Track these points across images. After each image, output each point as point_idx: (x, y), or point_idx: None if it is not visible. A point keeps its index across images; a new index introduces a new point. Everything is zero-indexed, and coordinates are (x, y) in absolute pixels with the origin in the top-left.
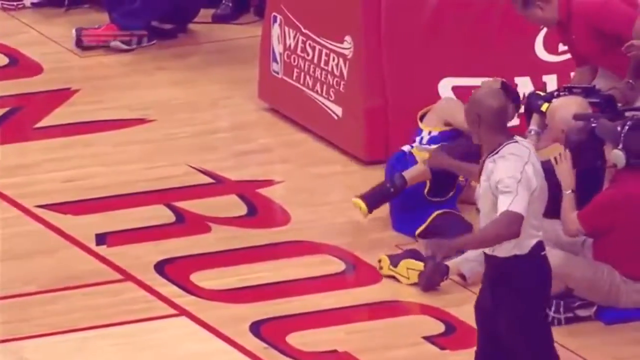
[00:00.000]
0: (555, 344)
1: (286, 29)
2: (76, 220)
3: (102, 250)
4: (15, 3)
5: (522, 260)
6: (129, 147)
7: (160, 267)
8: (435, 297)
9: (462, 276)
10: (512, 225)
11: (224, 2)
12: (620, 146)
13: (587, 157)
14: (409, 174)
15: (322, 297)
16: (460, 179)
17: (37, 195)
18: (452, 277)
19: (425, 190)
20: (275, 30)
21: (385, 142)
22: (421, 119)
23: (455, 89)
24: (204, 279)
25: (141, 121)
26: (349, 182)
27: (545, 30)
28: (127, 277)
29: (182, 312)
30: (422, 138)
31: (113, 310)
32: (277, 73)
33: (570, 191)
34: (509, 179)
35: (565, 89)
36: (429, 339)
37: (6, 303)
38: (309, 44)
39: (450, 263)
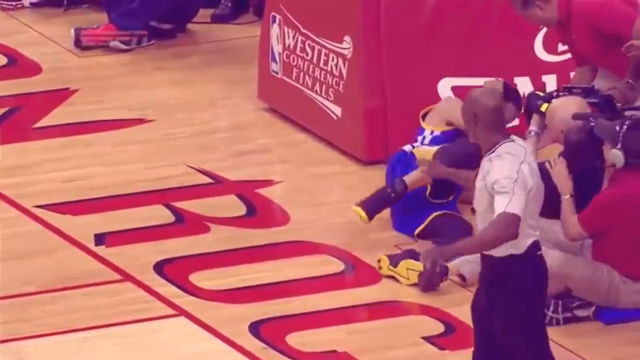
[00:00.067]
0: (555, 344)
1: (285, 28)
2: (75, 220)
3: (101, 250)
4: (14, 3)
5: (518, 260)
6: (128, 147)
7: (160, 267)
8: (435, 297)
9: (462, 277)
10: (509, 227)
11: (223, 2)
12: (619, 146)
13: (586, 156)
14: (410, 178)
15: (321, 297)
16: None
17: (36, 195)
18: (451, 277)
19: (427, 192)
20: (275, 30)
21: (384, 142)
22: (423, 118)
23: (454, 89)
24: (203, 279)
25: (140, 121)
26: (349, 182)
27: (544, 30)
28: (126, 277)
29: (181, 312)
30: (424, 137)
31: (112, 310)
32: (276, 73)
33: (568, 195)
34: (505, 179)
35: (565, 89)
36: (428, 339)
37: (5, 303)
38: (308, 44)
39: (449, 264)
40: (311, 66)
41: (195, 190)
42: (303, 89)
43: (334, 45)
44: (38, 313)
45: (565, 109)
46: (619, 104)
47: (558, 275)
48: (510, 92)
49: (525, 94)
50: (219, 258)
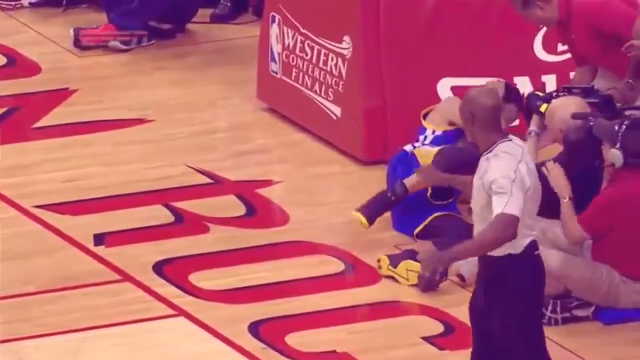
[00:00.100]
0: (554, 344)
1: (285, 28)
2: (74, 220)
3: (101, 250)
4: (13, 3)
5: (516, 260)
6: (128, 147)
7: (159, 268)
8: (435, 297)
9: (461, 277)
10: (508, 228)
11: (222, 1)
12: (618, 145)
13: (585, 156)
14: (410, 181)
15: (321, 298)
16: None
17: (36, 195)
18: (451, 277)
19: (428, 194)
20: (274, 30)
21: (384, 142)
22: (424, 117)
23: (454, 89)
24: (202, 279)
25: (140, 121)
26: (348, 182)
27: (544, 30)
28: (126, 277)
29: (180, 312)
30: (425, 137)
31: (111, 310)
32: (276, 73)
33: (567, 198)
34: (503, 179)
35: (564, 89)
36: (428, 339)
37: (5, 303)
38: (308, 44)
39: None
40: (310, 66)
41: (194, 190)
42: (302, 89)
43: (334, 45)
44: (38, 313)
45: (565, 109)
46: (618, 104)
47: (558, 275)
48: (511, 93)
49: (525, 94)
50: (218, 258)
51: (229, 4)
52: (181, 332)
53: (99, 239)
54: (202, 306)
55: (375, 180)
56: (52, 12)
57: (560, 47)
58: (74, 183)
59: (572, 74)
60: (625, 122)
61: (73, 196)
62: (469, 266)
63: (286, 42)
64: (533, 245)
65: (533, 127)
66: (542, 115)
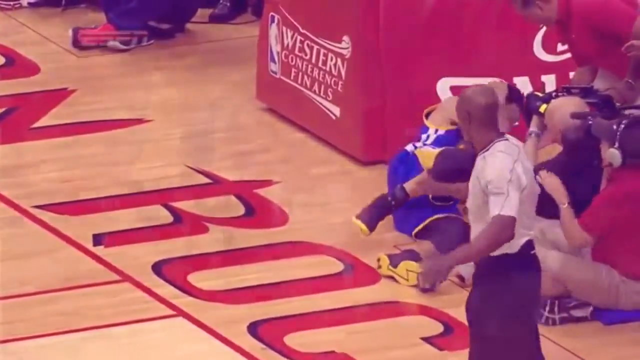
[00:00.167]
0: (554, 345)
1: (284, 28)
2: (73, 220)
3: (100, 250)
4: (12, 3)
5: (512, 259)
6: (127, 148)
7: (158, 268)
8: (434, 298)
9: (461, 277)
10: (505, 230)
11: (221, 1)
12: (616, 145)
13: (584, 155)
14: (410, 185)
15: (320, 298)
16: None
17: (34, 195)
18: (450, 278)
19: (430, 195)
20: (273, 30)
21: (383, 142)
22: (426, 116)
23: (453, 89)
24: (201, 279)
25: (139, 121)
26: (347, 182)
27: (543, 30)
28: (125, 277)
29: (179, 312)
30: (428, 136)
31: (110, 311)
32: (275, 73)
33: (566, 204)
34: (499, 179)
35: (564, 90)
36: (427, 339)
37: (4, 304)
38: (307, 44)
39: None
40: (310, 66)
41: (193, 190)
42: (302, 89)
43: (333, 45)
44: (36, 313)
45: (564, 109)
46: (618, 104)
47: (558, 276)
48: (514, 94)
49: (525, 95)
50: (217, 258)
51: (228, 4)
52: (180, 332)
53: (98, 239)
54: (201, 306)
55: (374, 180)
56: (51, 12)
57: (560, 47)
58: (73, 183)
59: (571, 74)
60: (624, 122)
61: (72, 196)
62: (468, 267)
63: (285, 42)
64: (529, 244)
65: (533, 127)
66: (541, 115)
